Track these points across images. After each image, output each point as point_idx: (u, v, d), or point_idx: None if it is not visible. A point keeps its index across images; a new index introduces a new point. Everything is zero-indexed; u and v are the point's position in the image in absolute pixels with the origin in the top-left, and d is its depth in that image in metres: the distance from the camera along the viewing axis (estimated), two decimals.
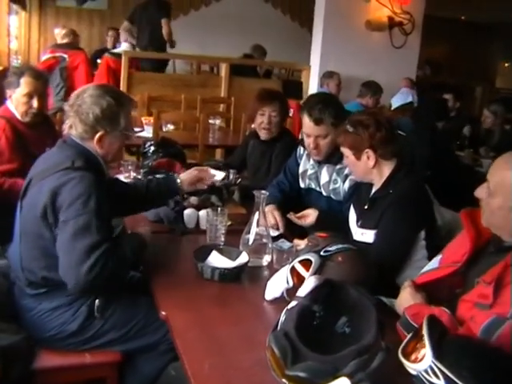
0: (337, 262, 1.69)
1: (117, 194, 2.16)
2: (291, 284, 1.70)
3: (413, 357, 1.25)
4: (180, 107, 5.42)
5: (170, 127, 4.80)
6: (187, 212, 2.49)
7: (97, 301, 1.92)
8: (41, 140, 3.02)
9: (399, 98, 4.80)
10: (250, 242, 2.13)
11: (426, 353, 1.20)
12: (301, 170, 2.82)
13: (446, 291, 1.72)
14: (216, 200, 2.74)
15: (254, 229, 2.14)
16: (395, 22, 6.16)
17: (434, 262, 1.80)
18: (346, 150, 2.22)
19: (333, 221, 2.43)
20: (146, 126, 4.77)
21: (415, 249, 2.10)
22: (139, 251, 2.02)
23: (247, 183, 3.17)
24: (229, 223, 2.50)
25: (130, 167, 3.14)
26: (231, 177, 3.18)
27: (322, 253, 1.70)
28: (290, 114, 5.52)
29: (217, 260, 2.05)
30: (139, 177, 2.99)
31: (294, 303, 1.38)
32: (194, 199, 2.64)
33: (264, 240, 2.15)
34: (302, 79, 6.40)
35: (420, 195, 2.14)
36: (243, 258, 2.04)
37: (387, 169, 2.18)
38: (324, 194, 2.69)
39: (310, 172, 2.77)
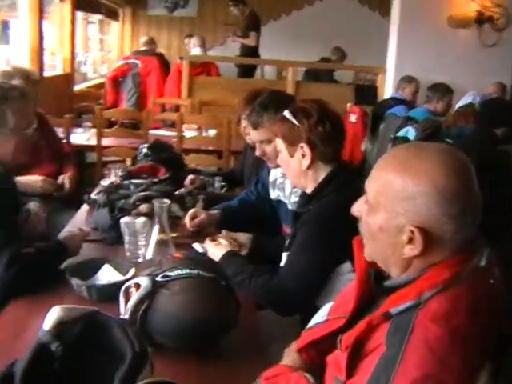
0: (172, 291, 1.38)
1: None
2: (122, 308, 1.43)
3: None
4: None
5: (211, 132, 4.63)
6: (124, 220, 2.29)
7: None
8: (31, 143, 3.02)
9: (462, 101, 4.23)
10: (148, 257, 1.89)
11: None
12: (271, 178, 2.50)
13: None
14: (177, 209, 2.51)
15: (152, 242, 1.90)
16: (485, 17, 5.46)
17: (324, 311, 1.36)
18: (279, 142, 1.84)
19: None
20: (186, 131, 4.69)
21: (339, 283, 1.70)
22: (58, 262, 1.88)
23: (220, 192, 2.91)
24: (174, 235, 2.29)
25: (115, 171, 3.01)
26: (216, 184, 2.97)
27: (159, 277, 1.41)
28: (352, 121, 5.15)
29: (107, 275, 1.83)
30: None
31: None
32: (144, 207, 2.43)
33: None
34: (378, 84, 5.93)
35: (343, 216, 1.73)
36: (129, 274, 1.80)
37: (323, 175, 1.79)
38: (289, 206, 2.35)
39: (278, 181, 2.43)
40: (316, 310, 1.69)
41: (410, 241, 1.00)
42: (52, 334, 1.09)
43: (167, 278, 1.40)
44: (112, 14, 7.63)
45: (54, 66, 5.58)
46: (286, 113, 1.79)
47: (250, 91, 2.93)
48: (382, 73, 5.82)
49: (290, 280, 1.70)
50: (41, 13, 4.43)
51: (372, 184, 1.08)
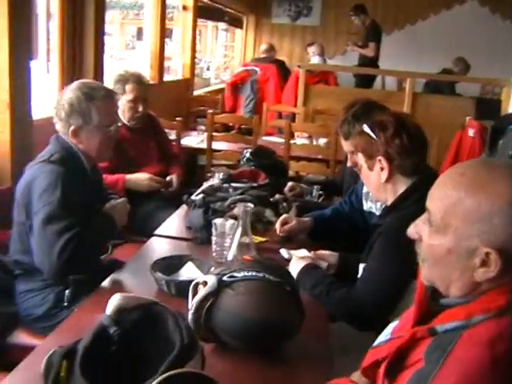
0: (236, 291, 1.42)
1: None
2: (190, 303, 1.49)
3: None
4: None
5: (322, 141, 4.63)
6: (215, 221, 2.37)
7: (67, 291, 1.97)
8: (141, 142, 3.23)
9: None
10: (229, 258, 1.95)
11: None
12: (365, 189, 2.46)
13: None
14: (270, 215, 2.56)
15: (234, 245, 1.95)
16: None
17: (388, 330, 1.29)
18: (360, 156, 1.84)
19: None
20: (297, 138, 4.74)
21: (411, 299, 1.65)
22: (109, 233, 2.06)
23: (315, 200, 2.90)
24: (263, 239, 2.35)
25: (218, 174, 3.12)
26: (314, 193, 2.97)
27: (225, 277, 1.46)
28: (470, 135, 4.90)
29: (188, 272, 1.91)
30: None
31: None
32: (237, 210, 2.50)
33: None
34: (502, 97, 5.57)
35: None
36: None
37: (403, 187, 1.77)
38: None
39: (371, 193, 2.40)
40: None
41: (483, 263, 0.94)
42: (112, 319, 1.18)
43: (233, 279, 1.44)
44: (236, 22, 7.91)
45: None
46: (365, 126, 1.78)
47: (350, 101, 2.91)
48: (506, 86, 5.47)
49: (364, 292, 1.69)
50: (163, 21, 4.71)
51: (437, 204, 1.02)
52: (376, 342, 1.30)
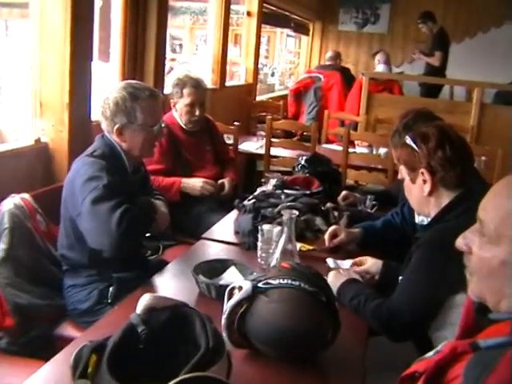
0: (270, 298, 1.41)
1: None
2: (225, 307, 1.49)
3: None
4: None
5: (382, 151, 4.54)
6: (261, 227, 2.36)
7: (110, 288, 2.02)
8: (197, 146, 3.27)
9: None
10: (272, 264, 1.93)
11: None
12: None
13: None
14: (321, 223, 2.54)
15: (278, 251, 1.93)
16: None
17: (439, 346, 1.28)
18: (402, 169, 1.81)
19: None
20: (357, 147, 4.68)
21: (453, 316, 1.58)
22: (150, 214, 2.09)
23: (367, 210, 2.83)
24: (311, 247, 2.33)
25: (271, 180, 3.11)
26: (367, 203, 2.91)
27: (261, 284, 1.45)
28: None
29: (230, 276, 1.91)
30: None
31: None
32: None
33: None
34: None
35: None
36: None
37: (446, 201, 1.71)
38: None
39: None
40: (429, 341, 1.60)
41: None
42: (140, 318, 1.19)
43: (268, 286, 1.43)
44: (302, 29, 7.90)
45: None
46: (407, 138, 1.74)
47: (405, 110, 2.84)
48: None
49: (398, 303, 1.65)
50: (226, 26, 4.77)
51: (491, 213, 0.96)
52: (425, 355, 1.25)
